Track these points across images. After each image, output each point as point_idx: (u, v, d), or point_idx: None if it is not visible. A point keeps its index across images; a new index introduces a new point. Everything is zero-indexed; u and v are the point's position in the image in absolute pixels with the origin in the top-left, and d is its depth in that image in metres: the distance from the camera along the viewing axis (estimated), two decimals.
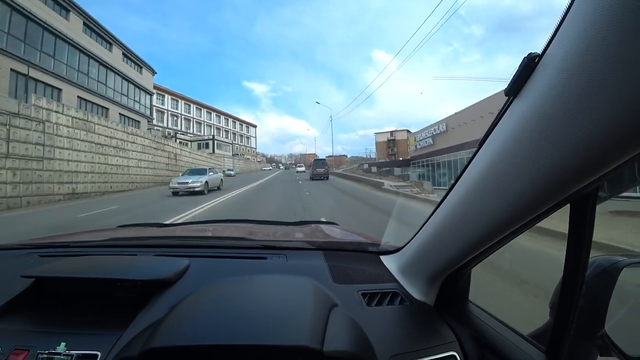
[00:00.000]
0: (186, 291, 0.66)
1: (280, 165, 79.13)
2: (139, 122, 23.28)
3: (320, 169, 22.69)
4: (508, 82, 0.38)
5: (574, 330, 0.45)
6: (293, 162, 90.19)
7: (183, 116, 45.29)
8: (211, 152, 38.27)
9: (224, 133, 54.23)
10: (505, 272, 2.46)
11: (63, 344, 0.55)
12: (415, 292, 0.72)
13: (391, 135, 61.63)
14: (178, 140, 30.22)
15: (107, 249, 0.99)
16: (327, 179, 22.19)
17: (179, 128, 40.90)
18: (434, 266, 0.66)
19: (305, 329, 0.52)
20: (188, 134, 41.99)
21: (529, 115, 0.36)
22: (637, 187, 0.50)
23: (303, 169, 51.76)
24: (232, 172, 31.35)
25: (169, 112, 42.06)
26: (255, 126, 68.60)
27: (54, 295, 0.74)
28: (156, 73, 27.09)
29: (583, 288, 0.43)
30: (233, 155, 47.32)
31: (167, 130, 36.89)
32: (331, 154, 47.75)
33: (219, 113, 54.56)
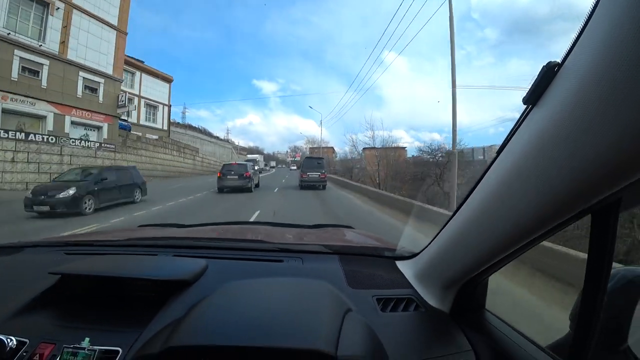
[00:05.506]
0: (204, 292, 0.68)
1: (267, 165, 49.06)
2: None
3: (312, 173, 14.67)
4: (526, 91, 0.38)
5: (595, 343, 0.44)
6: (298, 157, 68.60)
7: None
8: None
9: None
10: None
11: (87, 339, 0.57)
12: (430, 299, 0.72)
13: None
14: None
15: (128, 248, 1.02)
16: (324, 188, 14.59)
17: None
18: (451, 273, 0.65)
19: (319, 332, 0.53)
20: None
21: (548, 124, 0.36)
22: None
23: (295, 167, 43.81)
24: None
25: None
26: (169, 80, 29.28)
27: (77, 291, 0.78)
28: None
29: (605, 300, 0.42)
30: None
31: None
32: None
33: None
